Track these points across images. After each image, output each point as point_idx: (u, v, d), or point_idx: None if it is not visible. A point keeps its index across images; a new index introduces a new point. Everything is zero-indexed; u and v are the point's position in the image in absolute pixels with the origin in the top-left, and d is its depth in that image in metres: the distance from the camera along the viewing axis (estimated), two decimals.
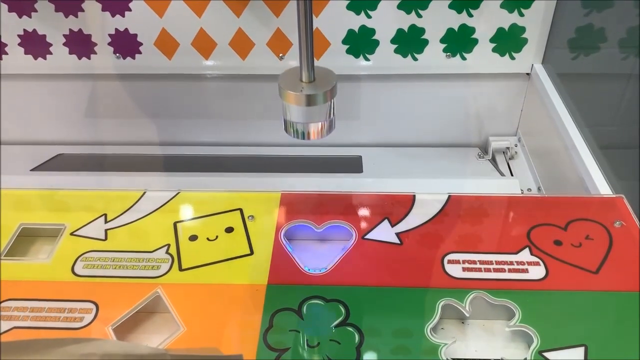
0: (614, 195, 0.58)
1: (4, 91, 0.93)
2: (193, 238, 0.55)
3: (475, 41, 0.84)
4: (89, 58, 0.88)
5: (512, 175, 0.86)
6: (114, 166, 0.90)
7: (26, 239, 0.57)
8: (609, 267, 0.50)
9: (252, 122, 0.94)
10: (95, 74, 0.90)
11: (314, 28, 0.83)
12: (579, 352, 0.43)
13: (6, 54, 0.88)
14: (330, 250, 0.53)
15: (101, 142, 0.97)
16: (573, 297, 0.48)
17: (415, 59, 0.87)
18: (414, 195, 0.59)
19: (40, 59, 0.89)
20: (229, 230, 0.55)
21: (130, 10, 0.83)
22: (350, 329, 0.46)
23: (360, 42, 0.85)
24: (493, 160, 0.91)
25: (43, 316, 0.47)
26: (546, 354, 0.43)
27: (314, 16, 0.81)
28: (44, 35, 0.86)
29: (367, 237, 0.54)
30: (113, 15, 0.84)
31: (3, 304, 0.48)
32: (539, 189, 0.82)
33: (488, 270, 0.50)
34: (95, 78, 0.91)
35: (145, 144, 0.96)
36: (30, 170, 0.87)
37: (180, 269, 0.51)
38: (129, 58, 0.88)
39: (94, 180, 0.83)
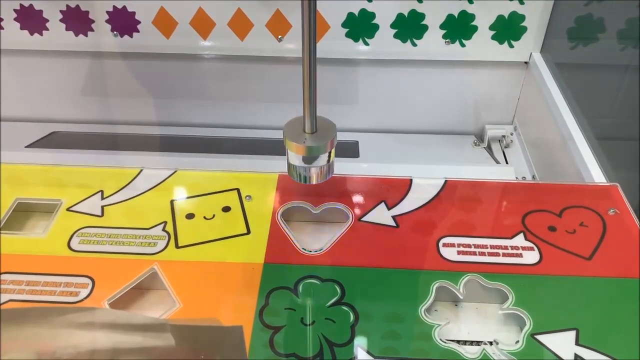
0: (609, 184, 0.59)
1: None
2: (190, 216, 0.55)
3: (475, 28, 0.84)
4: (86, 35, 0.87)
5: (507, 163, 0.87)
6: (109, 145, 0.90)
7: (22, 214, 0.57)
8: (602, 254, 0.51)
9: (250, 104, 0.94)
10: (91, 51, 0.90)
11: None
12: (571, 335, 0.44)
13: (2, 28, 0.87)
14: (326, 232, 0.54)
15: (97, 121, 0.96)
16: (566, 282, 0.48)
17: (414, 44, 0.87)
18: (411, 180, 0.59)
19: (36, 34, 0.88)
20: (226, 209, 0.56)
21: None
22: (345, 308, 0.46)
23: (360, 26, 0.85)
24: (489, 148, 0.91)
25: (39, 290, 0.47)
26: (538, 337, 0.44)
27: None
28: (41, 11, 0.85)
29: (363, 219, 0.55)
30: None
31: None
32: (533, 177, 0.82)
33: (483, 254, 0.51)
34: (92, 56, 0.90)
35: (142, 123, 0.95)
36: (25, 146, 0.86)
37: (177, 247, 0.51)
38: (126, 36, 0.87)
39: (89, 158, 0.82)
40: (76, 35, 0.87)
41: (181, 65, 0.90)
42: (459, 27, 0.84)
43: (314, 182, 0.49)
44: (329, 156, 0.48)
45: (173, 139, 0.92)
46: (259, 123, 0.95)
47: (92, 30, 0.87)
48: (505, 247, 0.51)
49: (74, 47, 0.88)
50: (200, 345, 0.28)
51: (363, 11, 0.83)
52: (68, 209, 0.55)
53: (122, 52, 0.89)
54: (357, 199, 0.57)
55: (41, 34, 0.88)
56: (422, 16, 0.83)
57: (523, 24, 0.83)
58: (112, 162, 0.79)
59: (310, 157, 0.47)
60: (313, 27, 0.42)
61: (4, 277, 0.48)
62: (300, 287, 0.48)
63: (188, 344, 0.27)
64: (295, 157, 0.47)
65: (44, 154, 0.83)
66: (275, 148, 0.86)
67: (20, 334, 0.28)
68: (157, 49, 0.87)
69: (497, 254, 0.51)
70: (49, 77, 0.93)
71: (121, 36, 0.87)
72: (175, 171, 0.60)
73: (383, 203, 0.56)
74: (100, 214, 0.55)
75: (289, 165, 0.49)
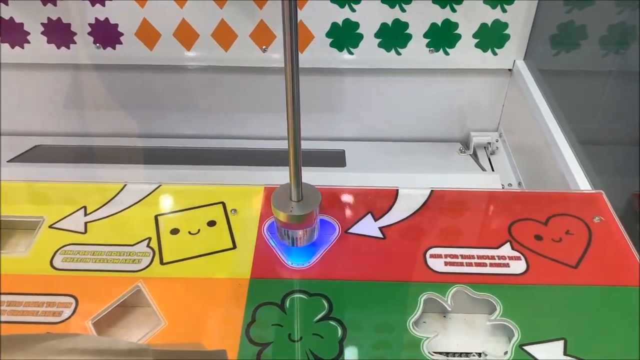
0: (594, 191, 0.59)
1: None
2: (175, 231, 0.54)
3: (459, 36, 0.85)
4: (68, 48, 0.87)
5: (493, 170, 0.87)
6: (93, 158, 0.89)
7: (3, 232, 0.56)
8: (588, 262, 0.51)
9: (234, 114, 0.93)
10: (74, 64, 0.89)
11: (298, 20, 0.83)
12: (559, 345, 0.44)
13: None
14: (313, 245, 0.53)
15: (80, 134, 0.95)
16: (553, 292, 0.48)
17: (398, 53, 0.87)
18: (397, 190, 0.59)
19: (17, 47, 0.87)
20: (211, 224, 0.55)
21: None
22: (333, 323, 0.46)
23: (344, 36, 0.85)
24: (474, 155, 0.91)
25: (21, 310, 0.46)
26: (526, 348, 0.44)
27: (298, 9, 0.81)
28: (22, 24, 0.85)
29: (350, 231, 0.54)
30: (93, 4, 0.82)
31: None
32: (519, 184, 0.83)
33: (470, 264, 0.51)
34: (75, 68, 0.90)
35: (126, 135, 0.95)
36: (7, 161, 0.85)
37: (162, 263, 0.51)
38: (109, 48, 0.86)
39: (72, 172, 0.81)
40: (58, 47, 0.87)
41: (165, 76, 0.90)
42: (442, 36, 0.85)
43: (302, 245, 0.51)
44: (314, 221, 0.50)
45: (157, 150, 0.91)
46: (243, 133, 0.94)
47: (74, 42, 0.86)
48: (492, 257, 0.51)
49: (57, 59, 0.88)
50: None
51: (347, 21, 0.83)
52: (50, 226, 0.55)
53: (105, 64, 0.88)
54: (344, 210, 0.57)
55: (22, 47, 0.87)
56: (405, 25, 0.84)
57: (506, 31, 0.84)
58: (95, 176, 0.78)
59: (297, 224, 0.49)
60: (297, 106, 0.42)
61: None
62: (287, 302, 0.47)
63: None
64: (283, 223, 0.49)
65: (27, 169, 0.82)
66: (260, 158, 0.86)
67: None
68: (140, 60, 0.87)
69: (484, 264, 0.51)
70: (31, 90, 0.92)
71: (104, 48, 0.86)
72: (160, 185, 0.59)
73: (370, 214, 0.56)
74: (83, 230, 0.54)
75: (277, 228, 0.51)
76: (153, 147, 0.92)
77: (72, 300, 0.47)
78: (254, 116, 0.93)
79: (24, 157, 0.88)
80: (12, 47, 0.87)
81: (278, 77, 0.89)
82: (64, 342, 0.26)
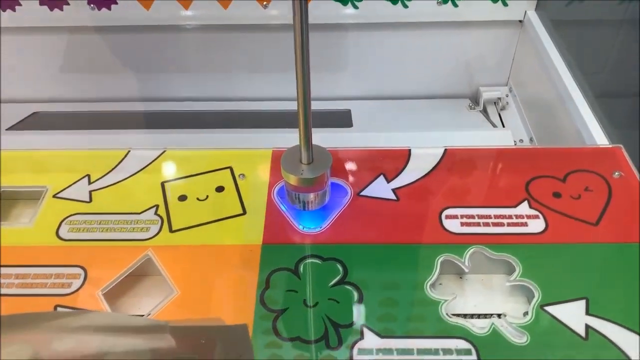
0: (612, 146, 0.57)
1: None
2: (182, 198, 0.53)
3: None
4: (61, 9, 0.83)
5: (503, 126, 0.85)
6: (92, 124, 0.87)
7: (6, 203, 0.54)
8: (608, 219, 0.49)
9: (236, 75, 0.91)
10: (68, 26, 0.85)
11: None
12: (581, 305, 0.43)
13: None
14: (325, 209, 0.52)
15: (78, 99, 0.93)
16: (573, 250, 0.47)
17: (405, 6, 0.83)
18: (410, 150, 0.57)
19: (9, 11, 0.83)
20: (220, 189, 0.53)
21: None
22: (348, 287, 0.45)
23: None
24: (484, 111, 0.89)
25: (29, 282, 0.45)
26: (547, 308, 0.43)
27: None
28: None
29: (362, 193, 0.53)
30: None
31: None
32: (531, 139, 0.81)
33: (487, 224, 0.49)
34: (69, 31, 0.86)
35: (125, 100, 0.92)
36: (6, 129, 0.83)
37: (171, 231, 0.49)
38: (104, 9, 0.83)
39: (73, 139, 0.79)
40: (51, 9, 0.83)
41: (163, 37, 0.86)
42: None
43: (312, 208, 0.50)
44: (325, 183, 0.48)
45: (158, 114, 0.89)
46: (247, 94, 0.92)
47: (67, 4, 0.83)
48: (510, 217, 0.50)
49: (50, 22, 0.84)
50: (204, 345, 0.26)
51: None
52: (54, 196, 0.53)
53: (100, 25, 0.85)
54: (355, 172, 0.55)
55: (14, 10, 0.83)
56: None
57: None
58: (97, 142, 0.76)
59: (307, 187, 0.48)
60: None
61: None
62: (301, 268, 0.46)
63: (191, 344, 0.26)
64: (293, 186, 0.48)
65: (26, 137, 0.80)
66: (266, 121, 0.84)
67: (15, 341, 0.26)
68: (136, 21, 0.84)
69: (501, 224, 0.49)
70: (25, 55, 0.89)
71: (98, 9, 0.83)
72: (164, 151, 0.57)
73: (382, 176, 0.54)
74: (88, 199, 0.53)
75: (287, 192, 0.50)
76: (153, 110, 0.90)
77: (80, 271, 0.46)
78: (256, 76, 0.90)
79: (22, 125, 0.86)
80: (4, 10, 0.83)
81: (280, 34, 0.86)
82: (80, 319, 0.25)
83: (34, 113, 0.91)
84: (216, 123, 0.85)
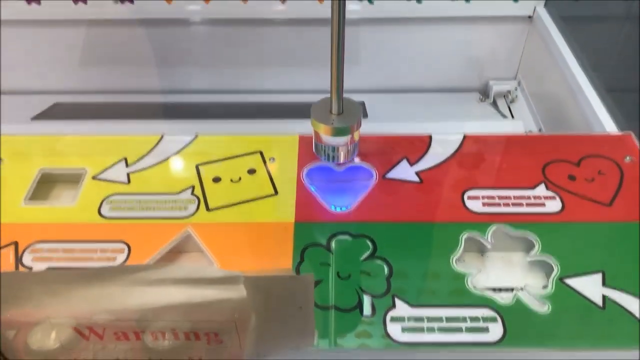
0: (623, 133, 0.60)
1: None
2: (217, 180, 0.55)
3: None
4: (85, 2, 0.86)
5: (513, 118, 0.88)
6: (117, 114, 0.89)
7: (47, 185, 0.57)
8: (621, 200, 0.52)
9: (256, 68, 0.93)
10: (91, 19, 0.88)
11: None
12: (597, 278, 0.46)
13: None
14: (352, 190, 0.54)
15: (100, 91, 0.95)
16: (589, 228, 0.50)
17: (418, 1, 0.86)
18: (430, 136, 0.60)
19: (33, 4, 0.86)
20: (252, 171, 0.56)
21: None
22: (379, 261, 0.47)
23: None
24: (494, 104, 0.92)
25: (76, 257, 0.48)
26: (566, 281, 0.46)
27: None
28: None
29: (387, 176, 0.56)
30: None
31: (34, 246, 0.49)
32: (540, 130, 0.84)
33: (507, 205, 0.52)
34: (91, 24, 0.89)
35: (148, 92, 0.95)
36: (31, 119, 0.86)
37: (208, 209, 0.52)
38: (127, 2, 0.85)
39: (100, 127, 0.82)
40: (75, 2, 0.86)
41: (185, 30, 0.89)
42: None
43: (341, 160, 0.52)
44: (355, 135, 0.49)
45: (182, 106, 0.91)
46: (268, 87, 0.94)
47: None
48: (528, 197, 0.53)
49: (73, 15, 0.87)
50: (272, 295, 0.29)
51: None
52: (94, 177, 0.56)
53: (123, 19, 0.87)
54: (379, 157, 0.58)
55: (39, 3, 0.86)
56: None
57: None
58: (123, 131, 0.79)
59: (337, 138, 0.49)
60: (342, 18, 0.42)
61: (39, 246, 0.49)
62: (333, 243, 0.49)
63: (262, 294, 0.28)
64: (323, 137, 0.49)
65: (53, 125, 0.83)
66: (289, 111, 0.86)
67: (90, 294, 0.29)
68: (159, 14, 0.86)
69: (520, 204, 0.52)
70: (47, 47, 0.92)
71: (122, 2, 0.85)
72: (197, 136, 0.60)
73: (405, 160, 0.57)
74: (126, 181, 0.55)
75: (317, 145, 0.50)
76: (175, 102, 0.92)
77: (124, 246, 0.49)
78: (275, 70, 0.93)
79: (46, 115, 0.88)
80: (29, 3, 0.86)
81: (299, 28, 0.88)
82: (156, 272, 0.28)
83: (55, 104, 0.93)
84: (241, 114, 0.88)
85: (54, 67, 0.94)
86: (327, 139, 0.50)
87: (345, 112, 0.49)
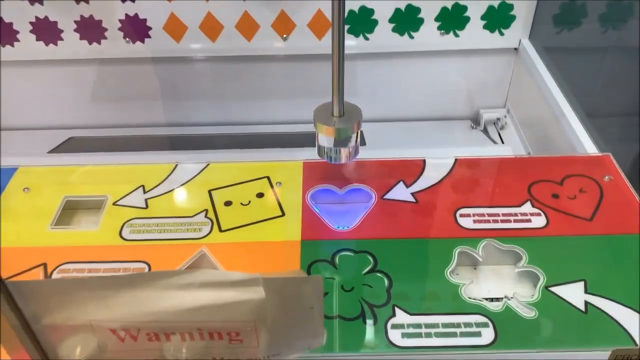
0: (602, 154, 0.65)
1: (13, 77, 0.96)
2: (228, 203, 0.60)
3: (467, 19, 0.90)
4: (99, 43, 0.92)
5: (503, 143, 0.93)
6: (130, 147, 0.94)
7: (71, 211, 0.61)
8: (601, 215, 0.57)
9: (259, 101, 0.99)
10: (105, 58, 0.94)
11: (317, 9, 0.89)
12: (580, 286, 0.50)
13: (18, 40, 0.91)
14: (353, 210, 0.59)
15: (113, 125, 1.01)
16: (572, 241, 0.54)
17: (411, 37, 0.92)
18: (424, 160, 0.65)
19: (51, 45, 0.92)
20: (260, 195, 0.61)
21: None
22: (379, 275, 0.52)
23: (360, 22, 0.90)
24: (485, 131, 0.97)
25: (101, 276, 0.52)
26: (552, 289, 0.50)
27: None
28: (56, 22, 0.89)
29: (385, 197, 0.60)
30: (123, 1, 0.87)
31: (61, 267, 0.53)
32: (528, 154, 0.89)
33: (496, 221, 0.57)
34: (105, 62, 0.95)
35: (156, 125, 1.00)
36: (48, 152, 0.91)
37: (220, 230, 0.57)
38: (138, 42, 0.92)
39: (114, 159, 0.86)
40: (90, 43, 0.92)
41: (192, 67, 0.95)
42: (452, 19, 0.90)
43: (342, 161, 0.56)
44: (356, 137, 0.53)
45: (191, 138, 0.96)
46: (270, 118, 1.00)
47: (105, 38, 0.91)
48: (516, 214, 0.57)
49: (88, 55, 0.93)
50: (285, 295, 0.33)
51: (363, 7, 0.89)
52: (114, 204, 0.60)
53: (135, 57, 0.93)
54: (377, 180, 0.63)
55: (56, 44, 0.92)
56: (418, 10, 0.89)
57: (512, 12, 0.90)
58: (136, 161, 0.83)
59: (339, 139, 0.52)
60: (342, 21, 0.47)
61: (66, 266, 0.53)
62: (337, 259, 0.53)
63: (275, 295, 0.32)
64: (325, 139, 0.52)
65: (70, 158, 0.87)
66: (291, 140, 0.91)
67: (127, 298, 0.33)
68: (168, 52, 0.92)
69: (508, 221, 0.57)
70: (62, 84, 0.97)
71: (133, 42, 0.92)
72: (208, 164, 0.65)
73: (401, 182, 0.62)
74: (145, 206, 0.60)
75: (320, 147, 0.54)
76: (183, 134, 0.97)
77: (144, 265, 0.53)
78: (277, 102, 0.98)
79: (61, 149, 0.93)
80: (47, 44, 0.92)
81: (299, 64, 0.94)
82: (183, 277, 0.32)
83: (70, 138, 0.98)
84: (246, 144, 0.93)
85: (68, 103, 1.00)
86: (329, 140, 0.53)
87: (346, 114, 0.53)
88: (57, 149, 0.93)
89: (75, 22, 0.90)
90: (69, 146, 0.95)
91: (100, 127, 1.01)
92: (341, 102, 0.52)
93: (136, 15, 0.89)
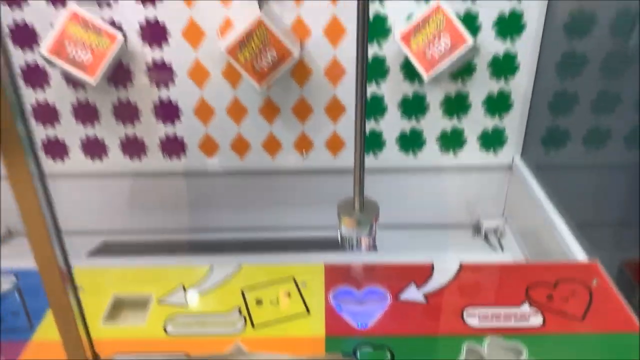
0: (591, 262, 0.74)
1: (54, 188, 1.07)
2: (259, 302, 0.67)
3: (465, 140, 1.02)
4: (140, 159, 1.03)
5: (502, 249, 1.02)
6: (164, 251, 1.02)
7: (118, 308, 0.69)
8: (591, 315, 0.64)
9: (280, 210, 1.09)
10: (144, 172, 1.05)
11: (332, 132, 1.01)
12: None
13: (67, 156, 1.03)
14: (372, 309, 0.66)
15: (145, 231, 1.09)
16: (566, 338, 0.61)
17: (415, 155, 1.04)
18: (433, 264, 0.73)
19: (97, 160, 1.04)
20: (287, 294, 0.68)
21: (179, 119, 1.00)
22: None
23: (371, 143, 1.03)
24: (485, 238, 1.06)
25: None
26: None
27: (331, 120, 0.99)
28: (103, 140, 1.02)
29: (399, 297, 0.68)
30: (165, 123, 1.00)
31: (115, 357, 0.60)
32: (526, 260, 0.97)
33: (498, 320, 0.64)
34: (145, 176, 1.05)
35: (183, 231, 1.09)
36: (87, 257, 0.99)
37: (253, 326, 0.64)
38: (175, 159, 1.03)
39: (149, 262, 0.95)
40: (131, 159, 1.03)
41: (220, 180, 1.06)
42: (451, 140, 1.02)
43: (363, 249, 0.62)
44: (374, 230, 0.62)
45: (218, 243, 1.05)
46: (287, 224, 1.09)
47: (145, 155, 1.03)
48: (515, 314, 0.65)
49: (129, 169, 1.04)
50: None
51: (373, 131, 1.01)
52: (159, 301, 0.68)
53: (172, 172, 1.04)
54: (391, 282, 0.71)
55: (101, 160, 1.03)
56: (421, 133, 1.02)
57: (504, 135, 1.02)
58: (168, 265, 0.92)
59: (359, 230, 0.60)
60: (362, 134, 0.58)
61: (119, 356, 0.60)
62: (358, 353, 0.60)
63: None
64: (347, 230, 0.61)
65: (108, 261, 0.96)
66: (312, 244, 1.00)
67: None
68: (201, 167, 1.03)
69: (510, 319, 0.64)
70: (103, 195, 1.08)
71: (170, 159, 1.03)
72: (241, 266, 0.73)
73: (413, 284, 0.70)
74: (185, 303, 0.67)
75: (342, 237, 0.62)
76: (210, 240, 1.06)
77: (185, 357, 0.60)
78: (296, 210, 1.08)
79: (96, 252, 1.02)
80: (93, 160, 1.03)
81: (317, 177, 1.05)
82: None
83: (103, 242, 1.07)
84: (268, 248, 1.02)
85: (102, 211, 1.10)
86: (350, 231, 0.60)
87: (365, 208, 0.61)
88: (94, 252, 1.02)
89: (120, 140, 1.02)
90: (105, 249, 1.04)
91: (131, 232, 1.10)
92: (362, 198, 0.60)
93: (175, 135, 1.01)
